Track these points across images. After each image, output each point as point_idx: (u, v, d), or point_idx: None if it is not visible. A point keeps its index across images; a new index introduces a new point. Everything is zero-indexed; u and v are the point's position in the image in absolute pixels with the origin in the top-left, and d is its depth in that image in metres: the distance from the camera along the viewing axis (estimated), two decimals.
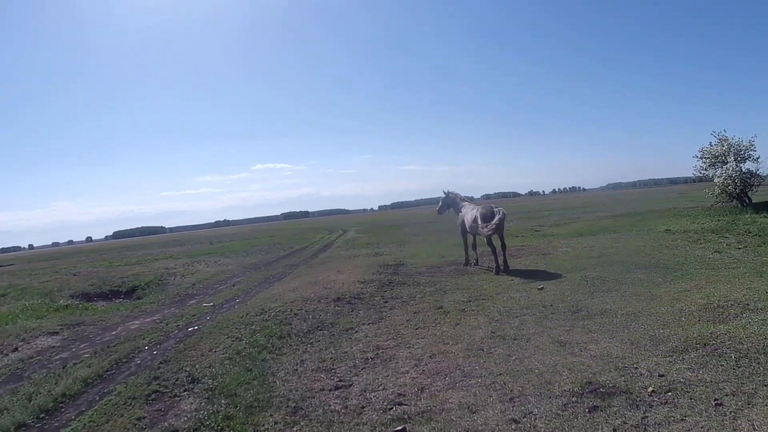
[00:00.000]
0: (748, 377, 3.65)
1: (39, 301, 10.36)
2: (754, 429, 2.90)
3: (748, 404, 3.24)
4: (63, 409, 4.45)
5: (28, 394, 4.74)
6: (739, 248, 9.84)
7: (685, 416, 3.20)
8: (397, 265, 12.03)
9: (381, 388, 4.39)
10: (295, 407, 4.05)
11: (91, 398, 4.63)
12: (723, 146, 17.15)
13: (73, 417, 4.21)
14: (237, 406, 4.06)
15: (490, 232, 10.13)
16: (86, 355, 6.14)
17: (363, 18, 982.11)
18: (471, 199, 12.55)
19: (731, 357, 4.07)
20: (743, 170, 16.58)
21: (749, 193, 17.17)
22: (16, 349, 6.67)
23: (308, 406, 4.06)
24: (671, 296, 6.54)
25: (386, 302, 8.05)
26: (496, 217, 10.12)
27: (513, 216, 27.11)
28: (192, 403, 4.21)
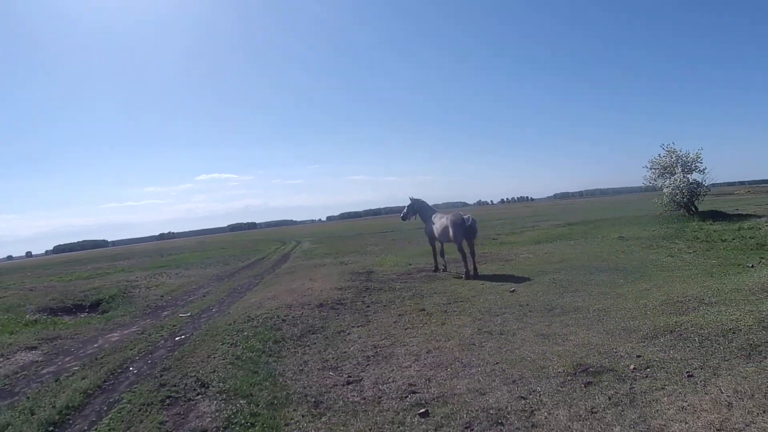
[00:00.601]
0: (711, 355, 4.51)
1: (4, 317, 10.01)
2: (722, 392, 3.70)
3: (714, 375, 4.06)
4: (71, 421, 4.47)
5: (29, 408, 4.74)
6: (690, 253, 11.25)
7: (665, 386, 3.96)
8: (368, 273, 12.54)
9: (390, 380, 4.87)
10: (315, 401, 4.43)
11: (98, 408, 4.70)
12: (671, 158, 19.15)
13: (86, 428, 4.26)
14: (258, 405, 4.33)
15: (461, 240, 10.97)
16: (75, 368, 6.10)
17: (309, 23, 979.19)
18: (436, 208, 13.32)
19: (695, 340, 4.96)
20: (690, 181, 18.56)
21: (696, 203, 19.23)
22: None
23: (328, 400, 4.46)
24: (634, 294, 7.53)
25: (368, 307, 8.53)
26: (469, 223, 10.99)
27: None
28: (210, 405, 4.42)
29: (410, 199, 12.93)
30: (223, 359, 5.82)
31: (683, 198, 18.58)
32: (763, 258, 9.26)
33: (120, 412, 4.47)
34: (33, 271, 28.59)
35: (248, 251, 27.16)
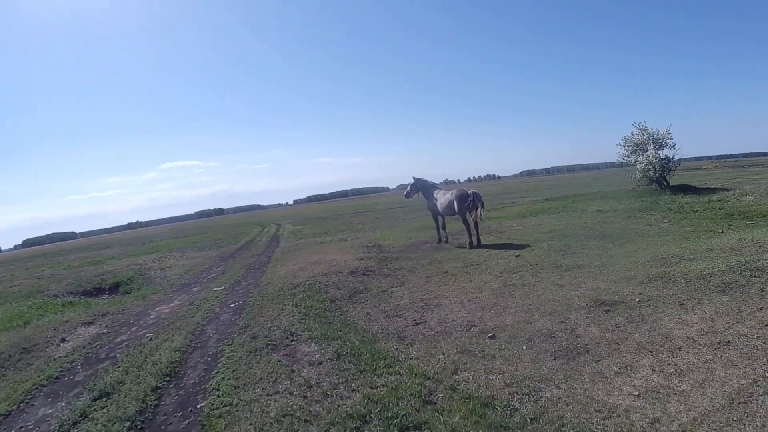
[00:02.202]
0: (695, 291, 6.15)
1: (38, 300, 10.65)
2: (705, 313, 5.31)
3: (699, 303, 5.68)
4: (182, 372, 5.24)
5: (135, 366, 5.50)
6: (666, 222, 13.18)
7: (664, 310, 5.56)
8: (377, 246, 13.85)
9: (450, 320, 6.28)
10: (399, 337, 5.79)
11: (201, 361, 5.51)
12: (643, 135, 21.31)
13: (203, 374, 5.12)
14: (353, 343, 5.51)
15: (465, 213, 12.46)
16: (149, 335, 6.94)
17: (270, 5, 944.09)
18: (436, 185, 14.69)
19: (681, 282, 6.61)
20: (661, 157, 20.82)
21: (667, 177, 21.54)
22: (64, 340, 7.25)
23: (409, 336, 5.82)
24: (624, 254, 9.22)
25: (395, 272, 9.92)
26: (471, 196, 12.47)
27: None
28: (310, 347, 5.51)
29: (413, 179, 14.28)
30: (292, 316, 6.94)
31: (655, 173, 20.80)
32: (731, 225, 11.20)
33: (230, 359, 5.40)
34: (16, 264, 28.29)
35: (232, 235, 27.79)
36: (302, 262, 11.96)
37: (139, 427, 4.08)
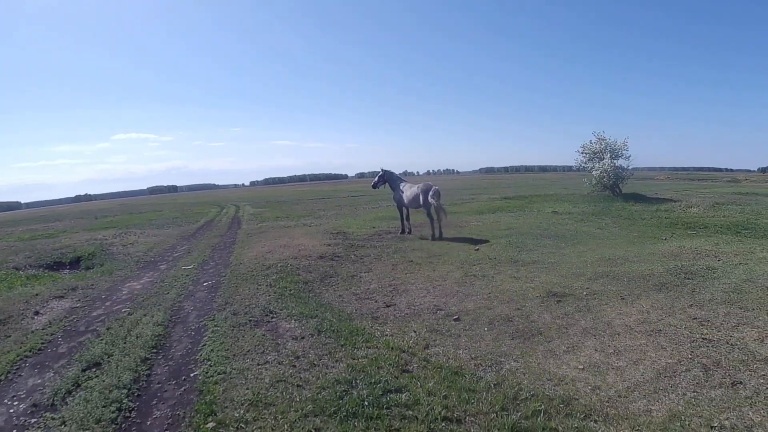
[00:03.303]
0: (635, 288, 7.08)
1: (4, 272, 10.38)
2: (643, 307, 6.18)
3: (638, 298, 6.58)
4: (167, 345, 5.54)
5: (120, 338, 5.75)
6: (615, 227, 14.40)
7: (607, 303, 6.41)
8: (343, 234, 14.35)
9: (418, 304, 6.90)
10: (372, 317, 6.36)
11: (185, 335, 5.84)
12: (601, 144, 22.91)
13: (189, 347, 5.47)
14: (330, 321, 6.04)
15: (431, 205, 13.17)
16: (126, 310, 7.15)
17: None
18: (402, 178, 15.34)
19: (624, 280, 7.54)
20: (616, 166, 22.42)
21: (620, 185, 23.19)
22: (37, 312, 7.29)
23: (381, 316, 6.39)
24: (575, 254, 10.18)
25: (362, 259, 10.47)
26: (432, 191, 13.20)
27: None
28: (290, 324, 5.99)
29: (381, 170, 14.90)
30: (269, 296, 7.39)
31: (609, 181, 22.41)
32: (674, 233, 12.47)
33: (216, 333, 5.77)
34: None
35: (190, 214, 27.31)
36: (270, 245, 12.30)
37: (135, 394, 4.38)
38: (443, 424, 3.52)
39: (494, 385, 4.15)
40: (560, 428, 3.46)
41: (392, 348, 5.04)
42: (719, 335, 5.12)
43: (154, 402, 4.25)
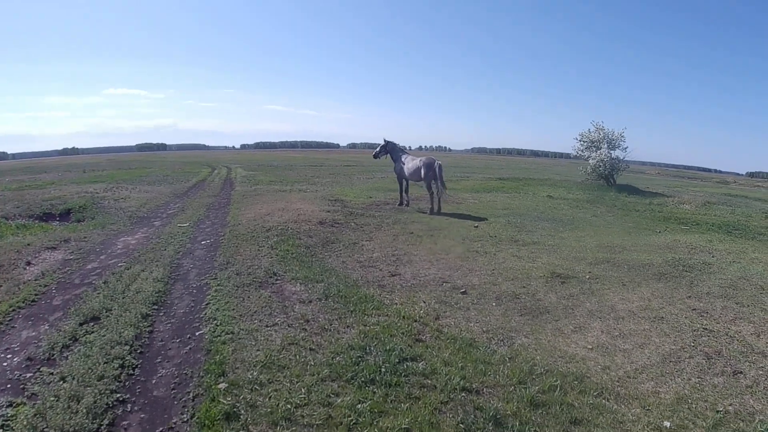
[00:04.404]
0: (635, 275, 7.23)
1: None
2: (644, 294, 6.33)
3: (638, 286, 6.73)
4: (169, 302, 5.51)
5: (119, 293, 5.65)
6: (611, 216, 14.60)
7: (609, 287, 6.55)
8: (340, 201, 14.33)
9: (423, 275, 6.95)
10: (379, 285, 6.37)
11: (185, 293, 5.84)
12: (599, 134, 23.03)
13: (192, 305, 5.37)
14: (337, 286, 6.04)
15: (431, 180, 13.21)
16: (122, 264, 7.05)
17: None
18: (404, 150, 15.28)
19: (624, 267, 7.69)
20: (612, 156, 22.62)
21: (615, 176, 23.42)
22: (29, 263, 7.12)
23: (387, 284, 6.40)
24: (574, 238, 10.33)
25: (362, 227, 10.47)
26: (437, 165, 13.22)
27: (391, 169, 31.02)
28: (295, 287, 6.01)
29: (384, 140, 14.76)
30: (271, 258, 7.39)
31: (605, 170, 22.63)
32: (668, 227, 12.69)
33: (219, 292, 5.76)
34: None
35: (180, 173, 26.99)
36: (267, 207, 12.25)
37: (138, 351, 4.30)
38: (463, 395, 3.59)
39: (509, 358, 4.24)
40: (576, 404, 3.57)
41: (404, 317, 5.09)
42: (718, 327, 5.28)
43: (159, 360, 4.20)
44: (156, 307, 5.40)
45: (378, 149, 14.97)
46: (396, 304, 5.62)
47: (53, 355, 4.19)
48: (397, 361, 4.04)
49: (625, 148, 23.01)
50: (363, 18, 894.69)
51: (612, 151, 22.69)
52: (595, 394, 3.75)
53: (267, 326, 4.80)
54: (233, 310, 5.22)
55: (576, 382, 3.89)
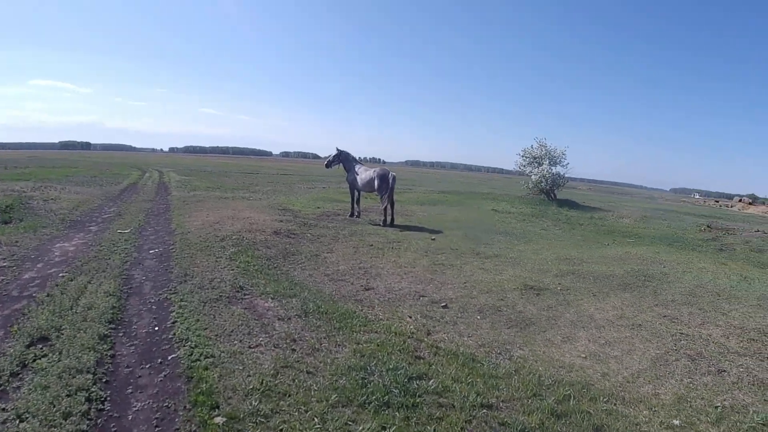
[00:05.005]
0: (602, 286, 7.64)
1: None
2: (615, 304, 6.70)
3: (607, 296, 7.11)
4: (127, 320, 5.05)
5: (65, 309, 5.13)
6: (558, 230, 15.39)
7: (583, 298, 6.86)
8: (291, 211, 14.09)
9: (397, 289, 6.90)
10: (355, 300, 6.24)
11: (144, 308, 5.34)
12: (542, 150, 24.34)
13: (155, 324, 4.98)
14: (314, 302, 5.84)
15: (385, 192, 13.29)
16: (65, 274, 6.42)
17: None
18: (357, 160, 15.31)
19: (590, 279, 8.10)
20: (554, 172, 23.92)
21: (555, 191, 24.72)
22: None
23: (364, 299, 6.29)
24: (532, 251, 10.76)
25: (318, 239, 10.28)
26: (390, 177, 13.35)
27: (332, 180, 31.23)
28: (267, 302, 5.73)
29: (337, 150, 14.67)
30: (232, 270, 7.04)
31: (546, 185, 23.85)
32: (614, 240, 13.58)
33: (184, 309, 5.35)
34: None
35: (109, 175, 26.14)
36: (215, 215, 11.80)
37: (103, 380, 3.84)
38: (483, 411, 3.56)
39: (514, 371, 4.30)
40: (591, 411, 3.68)
41: (396, 333, 5.00)
42: (691, 331, 5.70)
43: (130, 390, 3.74)
44: (113, 326, 4.90)
45: (330, 158, 14.82)
46: (381, 319, 5.54)
47: (2, 385, 3.63)
48: (405, 380, 3.94)
49: (566, 165, 24.45)
50: (302, 21, 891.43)
51: (553, 167, 24.00)
52: (604, 400, 3.91)
53: (250, 347, 4.52)
54: (206, 329, 4.85)
55: (584, 391, 4.03)
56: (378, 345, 4.67)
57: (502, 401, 3.75)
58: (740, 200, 56.09)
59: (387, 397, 3.65)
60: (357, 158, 15.01)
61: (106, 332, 4.70)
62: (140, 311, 5.40)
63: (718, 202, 61.91)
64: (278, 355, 4.37)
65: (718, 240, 14.65)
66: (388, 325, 5.29)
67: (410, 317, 5.68)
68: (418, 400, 3.65)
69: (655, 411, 3.82)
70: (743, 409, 3.94)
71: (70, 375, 3.82)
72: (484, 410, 3.60)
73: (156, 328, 4.94)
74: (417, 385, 3.90)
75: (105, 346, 4.42)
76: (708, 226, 17.67)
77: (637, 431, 3.53)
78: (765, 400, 4.15)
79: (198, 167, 42.97)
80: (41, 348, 4.28)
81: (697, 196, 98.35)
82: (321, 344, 4.68)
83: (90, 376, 3.83)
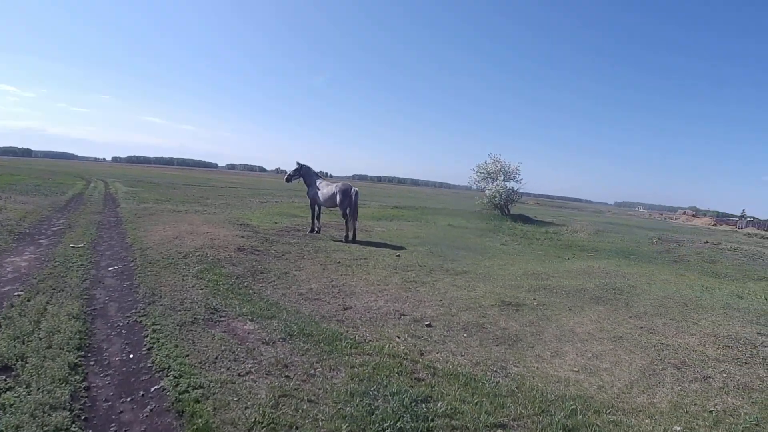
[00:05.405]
0: (576, 300, 7.92)
1: None
2: (592, 316, 6.96)
3: (582, 309, 7.38)
4: (97, 346, 4.75)
5: (25, 333, 4.83)
6: (518, 245, 15.85)
7: (559, 312, 7.09)
8: (249, 226, 13.76)
9: (375, 308, 6.84)
10: (337, 320, 6.12)
11: (113, 333, 5.08)
12: (496, 166, 25.10)
13: (129, 351, 4.67)
14: (296, 323, 5.70)
15: (347, 207, 13.28)
16: (20, 293, 6.01)
17: None
18: (318, 174, 15.23)
19: (562, 293, 8.38)
20: (508, 187, 24.71)
21: (509, 206, 25.50)
22: None
23: (345, 319, 6.19)
24: (498, 266, 11.01)
25: (284, 255, 10.07)
26: (353, 192, 13.37)
27: (284, 194, 30.96)
28: (246, 325, 5.56)
29: (297, 164, 14.52)
30: (202, 289, 6.83)
31: (501, 200, 24.58)
32: (574, 254, 14.14)
33: (159, 333, 5.09)
34: None
35: (53, 184, 25.54)
36: (172, 229, 11.41)
37: (82, 417, 3.56)
38: (499, 431, 3.63)
39: (516, 389, 4.36)
40: (599, 423, 3.81)
41: (389, 355, 4.96)
42: (669, 341, 6.02)
43: (114, 429, 3.50)
44: (82, 353, 4.56)
45: (291, 172, 14.66)
46: (370, 341, 5.47)
47: None
48: (411, 404, 3.90)
49: (520, 180, 25.33)
50: (250, 30, 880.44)
51: (507, 183, 24.82)
52: (607, 412, 4.06)
53: (240, 375, 4.33)
54: (188, 356, 4.61)
55: (587, 404, 4.16)
56: (374, 368, 4.61)
57: (513, 420, 3.80)
58: (684, 213, 60.21)
59: (399, 423, 3.60)
60: (318, 173, 14.93)
61: (76, 361, 4.39)
62: (109, 336, 5.10)
63: (662, 214, 66.18)
64: (273, 383, 4.22)
65: (671, 252, 15.61)
66: (379, 346, 5.23)
67: (398, 337, 5.65)
68: (431, 425, 3.63)
69: (656, 419, 4.01)
70: (735, 411, 4.23)
71: (44, 413, 3.51)
72: (500, 430, 3.63)
73: (131, 356, 4.66)
74: (426, 408, 3.87)
75: (77, 377, 4.12)
76: (659, 239, 18.76)
77: None
78: (752, 402, 4.46)
79: (144, 178, 42.03)
80: (5, 379, 3.94)
81: (642, 209, 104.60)
82: (315, 369, 4.57)
83: (67, 413, 3.55)
